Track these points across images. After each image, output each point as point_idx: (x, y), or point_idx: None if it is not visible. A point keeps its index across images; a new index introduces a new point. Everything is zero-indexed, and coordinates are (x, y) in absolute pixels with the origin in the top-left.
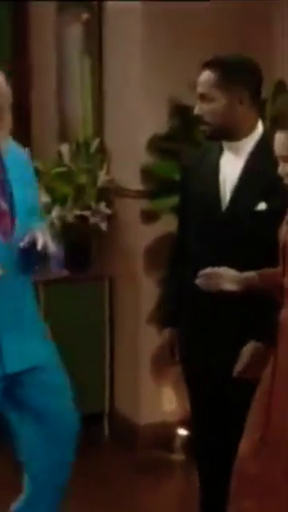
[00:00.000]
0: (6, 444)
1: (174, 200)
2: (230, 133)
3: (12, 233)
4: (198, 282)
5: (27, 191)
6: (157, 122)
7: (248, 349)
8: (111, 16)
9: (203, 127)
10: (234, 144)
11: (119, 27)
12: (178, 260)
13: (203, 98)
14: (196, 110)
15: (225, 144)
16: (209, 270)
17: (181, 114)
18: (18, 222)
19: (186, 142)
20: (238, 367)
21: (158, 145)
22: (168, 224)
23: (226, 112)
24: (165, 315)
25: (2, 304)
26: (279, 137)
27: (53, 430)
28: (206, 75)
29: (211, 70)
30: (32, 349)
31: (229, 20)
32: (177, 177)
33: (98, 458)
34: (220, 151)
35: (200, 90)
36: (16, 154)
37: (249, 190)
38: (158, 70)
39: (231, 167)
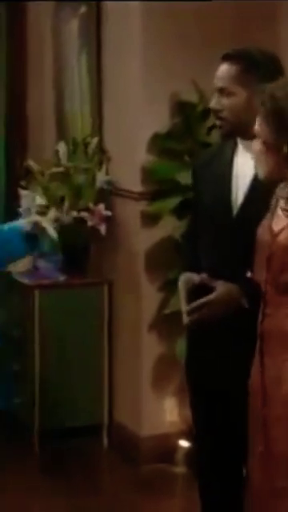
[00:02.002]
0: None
1: (175, 202)
2: (247, 130)
3: None
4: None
5: None
6: (158, 119)
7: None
8: (110, 12)
9: (218, 122)
10: (250, 143)
11: (118, 23)
12: (191, 248)
13: (222, 92)
14: (213, 104)
15: (240, 142)
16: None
17: (183, 111)
18: None
19: (189, 141)
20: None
21: (158, 144)
22: (169, 226)
23: (246, 108)
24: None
25: None
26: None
27: None
28: (226, 68)
29: (231, 63)
30: None
31: (232, 16)
32: (178, 177)
33: (96, 471)
34: (234, 149)
35: (219, 83)
36: None
37: (260, 196)
38: (158, 66)
39: (245, 169)
